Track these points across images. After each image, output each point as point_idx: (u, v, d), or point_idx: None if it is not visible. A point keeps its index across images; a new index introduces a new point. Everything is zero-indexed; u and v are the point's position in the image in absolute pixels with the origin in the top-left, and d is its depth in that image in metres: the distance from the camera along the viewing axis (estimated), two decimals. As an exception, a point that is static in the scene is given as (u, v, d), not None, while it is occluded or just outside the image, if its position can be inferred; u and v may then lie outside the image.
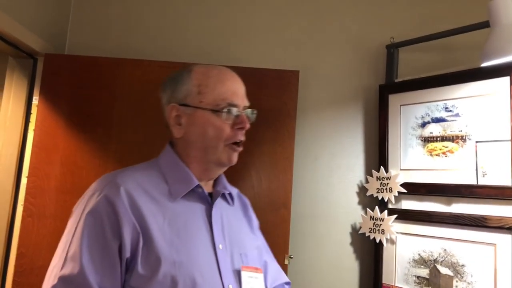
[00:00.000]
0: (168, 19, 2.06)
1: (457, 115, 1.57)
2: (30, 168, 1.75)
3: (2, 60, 1.86)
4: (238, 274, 0.98)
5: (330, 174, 1.88)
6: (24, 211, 1.72)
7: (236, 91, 1.04)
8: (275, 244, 1.72)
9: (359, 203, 1.83)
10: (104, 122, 1.79)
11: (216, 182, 1.11)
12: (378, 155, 1.78)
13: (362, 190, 1.83)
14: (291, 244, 1.75)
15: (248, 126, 1.02)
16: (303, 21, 2.00)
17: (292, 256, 1.74)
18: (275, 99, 1.80)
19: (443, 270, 1.52)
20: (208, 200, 1.03)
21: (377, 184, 1.74)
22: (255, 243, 1.13)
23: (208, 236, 0.98)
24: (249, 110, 1.06)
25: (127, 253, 0.87)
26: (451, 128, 1.59)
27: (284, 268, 1.70)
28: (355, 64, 1.93)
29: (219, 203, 1.06)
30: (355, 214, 1.82)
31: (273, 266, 1.19)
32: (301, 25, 2.00)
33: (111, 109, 1.80)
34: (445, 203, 1.59)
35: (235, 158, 1.04)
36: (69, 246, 0.87)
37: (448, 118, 1.60)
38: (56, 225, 1.71)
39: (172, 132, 1.05)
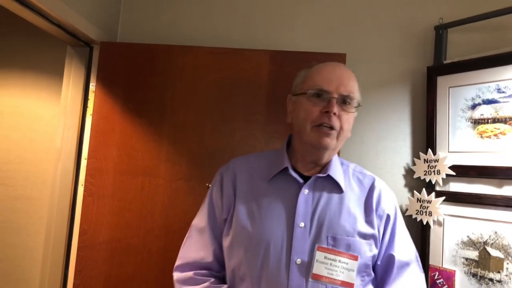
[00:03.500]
0: (216, 5, 2.10)
1: (510, 96, 1.54)
2: (89, 151, 1.85)
3: (61, 49, 1.97)
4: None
5: (376, 156, 1.89)
6: (84, 191, 1.83)
7: (330, 78, 1.10)
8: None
9: (406, 185, 1.84)
10: (157, 107, 1.86)
11: (324, 166, 1.16)
12: (425, 138, 1.77)
13: (409, 172, 1.83)
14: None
15: (334, 110, 1.06)
16: (349, 3, 1.99)
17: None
18: (322, 83, 1.81)
19: (494, 252, 1.52)
20: (299, 182, 1.13)
21: (424, 167, 1.74)
22: (358, 230, 1.09)
23: (290, 214, 1.08)
24: (341, 98, 1.09)
25: (224, 215, 1.15)
26: (504, 110, 1.56)
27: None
28: (403, 45, 1.90)
29: (319, 187, 1.13)
30: (401, 196, 1.83)
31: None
32: (347, 8, 1.99)
33: (163, 94, 1.87)
34: (496, 185, 1.57)
35: (325, 141, 1.09)
36: (202, 204, 1.23)
37: (500, 100, 1.57)
38: (114, 204, 1.81)
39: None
